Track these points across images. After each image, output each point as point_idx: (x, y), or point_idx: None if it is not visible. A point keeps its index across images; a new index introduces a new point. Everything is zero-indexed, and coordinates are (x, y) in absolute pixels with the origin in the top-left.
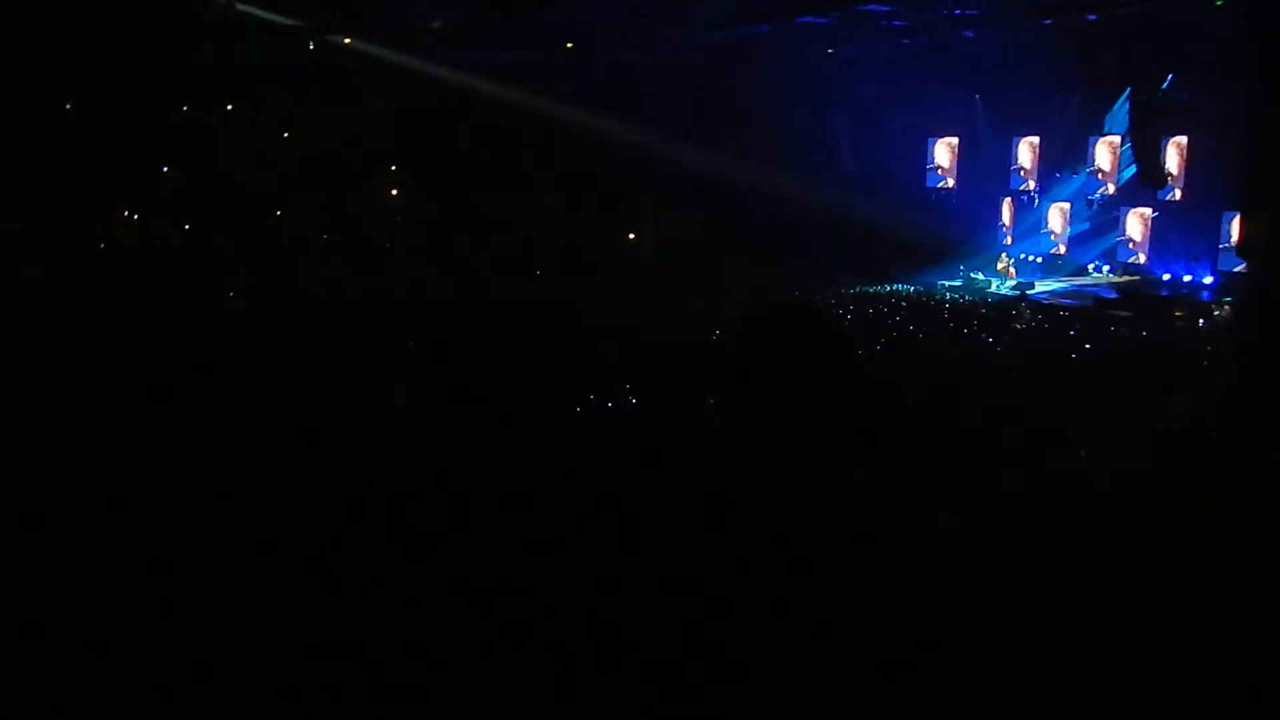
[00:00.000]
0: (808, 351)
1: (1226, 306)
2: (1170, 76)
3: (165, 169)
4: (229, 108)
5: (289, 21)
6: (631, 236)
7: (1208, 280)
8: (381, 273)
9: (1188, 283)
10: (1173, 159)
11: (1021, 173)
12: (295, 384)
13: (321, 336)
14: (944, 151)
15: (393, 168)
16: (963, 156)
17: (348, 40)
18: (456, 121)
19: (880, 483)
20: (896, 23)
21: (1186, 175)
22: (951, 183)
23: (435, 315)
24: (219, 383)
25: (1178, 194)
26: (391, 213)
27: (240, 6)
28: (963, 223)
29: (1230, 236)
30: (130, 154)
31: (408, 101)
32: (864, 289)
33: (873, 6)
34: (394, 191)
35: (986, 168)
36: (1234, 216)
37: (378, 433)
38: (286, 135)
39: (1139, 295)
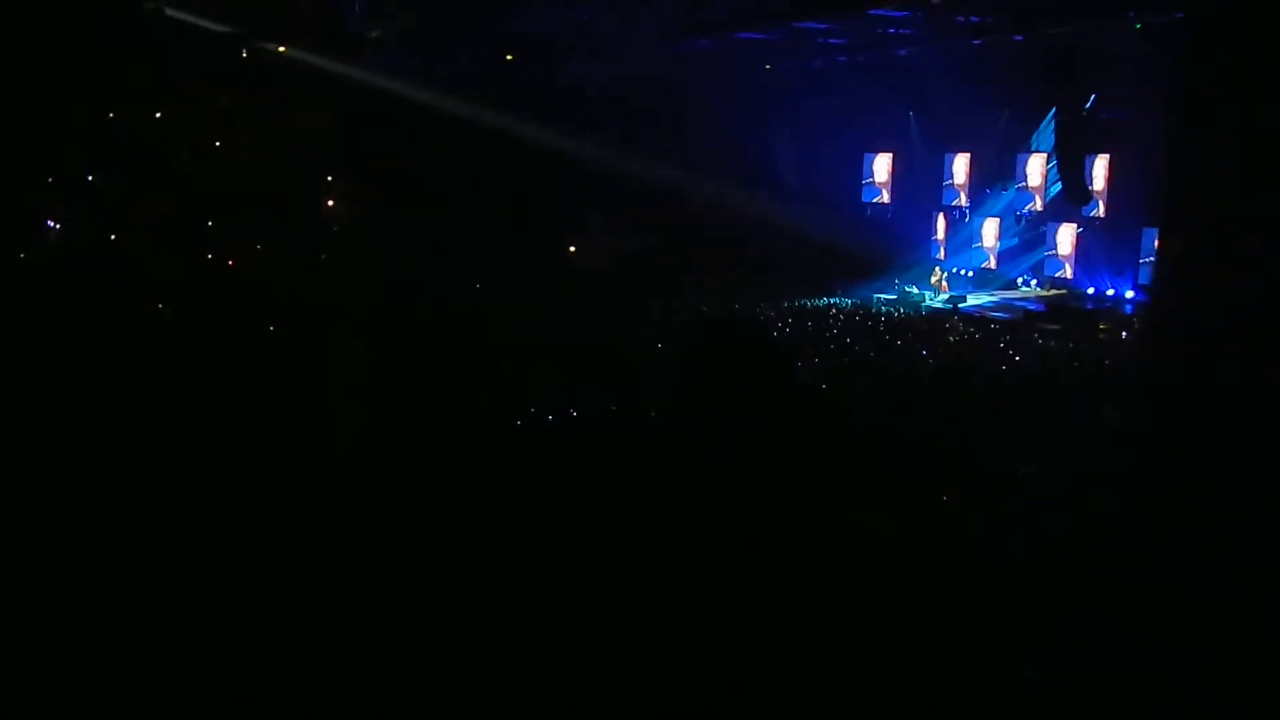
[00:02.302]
0: (743, 365)
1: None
2: (1093, 97)
3: (91, 178)
4: (158, 115)
5: (222, 28)
6: (572, 250)
7: (1129, 294)
8: (320, 284)
9: (1111, 296)
10: (1098, 176)
11: (955, 188)
12: (235, 395)
13: (261, 348)
14: (880, 167)
15: (330, 179)
16: (898, 172)
17: (282, 49)
18: (398, 132)
19: (826, 492)
20: (834, 40)
21: (1110, 192)
22: (887, 197)
23: (380, 327)
24: (151, 393)
25: (1101, 210)
26: (330, 224)
27: (170, 12)
28: (898, 237)
29: (1151, 252)
30: (57, 159)
31: (346, 112)
32: (803, 302)
33: (811, 24)
34: (331, 203)
35: (921, 183)
36: (1155, 233)
37: (327, 441)
38: (218, 145)
39: (1065, 308)
